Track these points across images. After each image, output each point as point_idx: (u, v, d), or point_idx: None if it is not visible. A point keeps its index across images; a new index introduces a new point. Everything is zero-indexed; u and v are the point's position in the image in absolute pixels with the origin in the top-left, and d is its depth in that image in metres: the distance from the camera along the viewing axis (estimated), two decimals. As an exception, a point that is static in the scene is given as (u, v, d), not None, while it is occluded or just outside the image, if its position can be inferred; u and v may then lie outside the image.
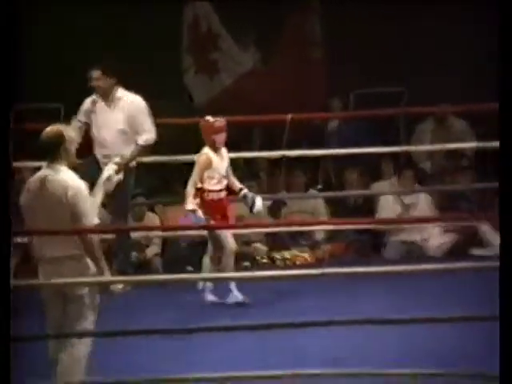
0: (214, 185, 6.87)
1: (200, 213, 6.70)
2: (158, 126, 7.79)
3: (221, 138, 6.90)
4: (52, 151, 5.23)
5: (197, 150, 7.83)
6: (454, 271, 5.94)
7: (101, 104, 7.22)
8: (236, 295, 6.82)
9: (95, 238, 5.16)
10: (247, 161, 8.66)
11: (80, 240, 5.10)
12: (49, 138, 5.26)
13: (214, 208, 6.84)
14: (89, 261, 5.14)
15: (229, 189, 6.97)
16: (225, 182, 6.92)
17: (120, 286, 7.09)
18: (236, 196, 7.01)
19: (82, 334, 5.28)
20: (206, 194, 6.83)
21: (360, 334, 5.71)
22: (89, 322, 5.20)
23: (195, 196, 6.79)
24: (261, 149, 8.53)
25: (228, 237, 6.86)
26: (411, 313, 5.58)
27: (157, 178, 8.82)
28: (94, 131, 7.21)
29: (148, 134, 7.20)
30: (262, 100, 8.83)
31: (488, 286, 6.20)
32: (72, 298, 5.14)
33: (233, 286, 6.85)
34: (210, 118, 6.92)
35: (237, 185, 6.99)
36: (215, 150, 6.91)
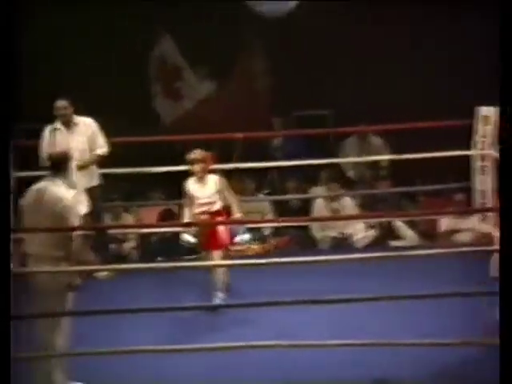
0: (196, 208, 6.60)
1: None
2: (132, 143, 7.88)
3: (196, 168, 6.61)
4: (57, 167, 5.27)
5: (162, 163, 7.91)
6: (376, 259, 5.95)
7: (61, 131, 7.12)
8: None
9: (75, 246, 5.14)
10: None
11: (63, 246, 5.10)
12: (57, 156, 5.34)
13: (200, 228, 6.59)
14: (64, 264, 5.10)
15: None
16: (207, 207, 6.57)
17: (105, 273, 7.20)
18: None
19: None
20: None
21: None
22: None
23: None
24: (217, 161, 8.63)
25: (215, 255, 6.52)
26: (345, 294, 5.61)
27: (131, 185, 8.86)
28: None
29: (103, 148, 7.24)
30: (217, 121, 8.81)
31: (406, 269, 6.49)
32: (48, 291, 5.11)
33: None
34: (191, 152, 6.67)
35: (233, 211, 6.62)
36: (198, 178, 6.65)
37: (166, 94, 9.41)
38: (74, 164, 6.99)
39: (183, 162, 7.81)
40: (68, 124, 7.11)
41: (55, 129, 7.11)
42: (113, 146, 7.95)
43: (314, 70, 9.46)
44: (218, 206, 6.62)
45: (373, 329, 5.80)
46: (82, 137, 7.15)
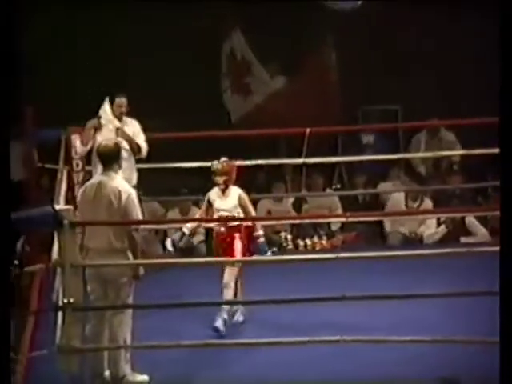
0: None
1: None
2: (201, 138, 7.98)
3: (219, 180, 6.23)
4: (110, 161, 5.28)
5: (231, 158, 7.95)
6: (447, 255, 5.94)
7: (107, 128, 6.99)
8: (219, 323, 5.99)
9: (139, 237, 5.22)
10: (275, 166, 8.73)
11: (128, 237, 5.17)
12: (109, 149, 5.32)
13: (215, 240, 6.27)
14: (129, 254, 5.19)
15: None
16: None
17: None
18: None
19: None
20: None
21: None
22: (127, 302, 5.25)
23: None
24: (286, 156, 8.66)
25: (225, 271, 6.06)
26: (412, 290, 5.62)
27: (200, 179, 8.94)
28: None
29: (143, 148, 7.09)
30: (287, 116, 8.86)
31: (475, 267, 6.41)
32: (114, 284, 5.19)
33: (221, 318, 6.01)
34: (215, 162, 6.29)
35: (256, 230, 6.15)
36: (221, 190, 6.26)
37: (235, 89, 9.48)
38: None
39: (252, 156, 7.94)
40: (119, 121, 7.07)
41: (96, 126, 7.02)
42: (182, 140, 8.10)
43: (383, 65, 9.46)
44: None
45: (437, 326, 5.77)
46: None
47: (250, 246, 6.20)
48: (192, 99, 9.26)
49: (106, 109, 6.95)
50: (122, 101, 7.07)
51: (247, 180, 9.15)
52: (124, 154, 6.62)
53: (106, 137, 6.73)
